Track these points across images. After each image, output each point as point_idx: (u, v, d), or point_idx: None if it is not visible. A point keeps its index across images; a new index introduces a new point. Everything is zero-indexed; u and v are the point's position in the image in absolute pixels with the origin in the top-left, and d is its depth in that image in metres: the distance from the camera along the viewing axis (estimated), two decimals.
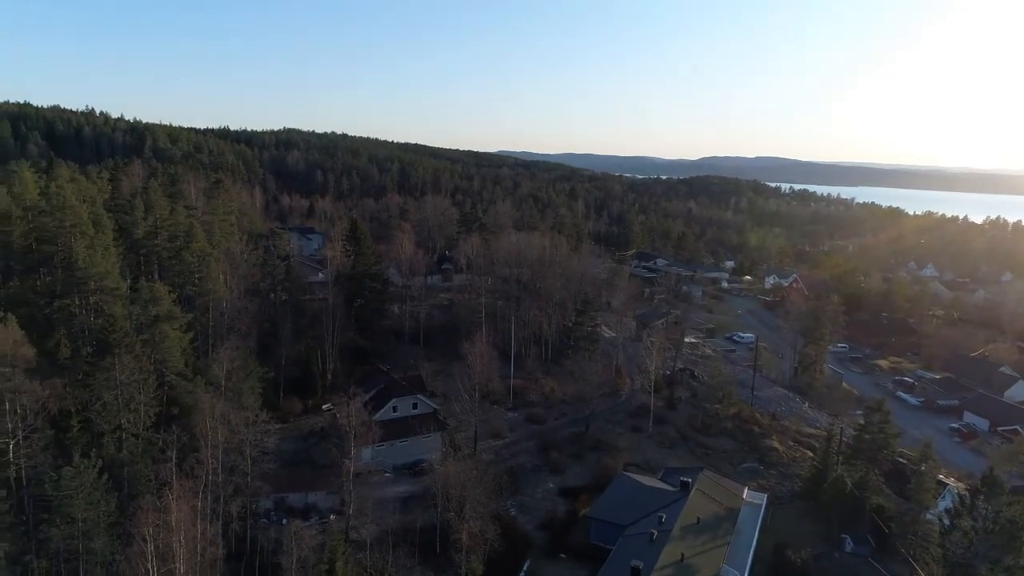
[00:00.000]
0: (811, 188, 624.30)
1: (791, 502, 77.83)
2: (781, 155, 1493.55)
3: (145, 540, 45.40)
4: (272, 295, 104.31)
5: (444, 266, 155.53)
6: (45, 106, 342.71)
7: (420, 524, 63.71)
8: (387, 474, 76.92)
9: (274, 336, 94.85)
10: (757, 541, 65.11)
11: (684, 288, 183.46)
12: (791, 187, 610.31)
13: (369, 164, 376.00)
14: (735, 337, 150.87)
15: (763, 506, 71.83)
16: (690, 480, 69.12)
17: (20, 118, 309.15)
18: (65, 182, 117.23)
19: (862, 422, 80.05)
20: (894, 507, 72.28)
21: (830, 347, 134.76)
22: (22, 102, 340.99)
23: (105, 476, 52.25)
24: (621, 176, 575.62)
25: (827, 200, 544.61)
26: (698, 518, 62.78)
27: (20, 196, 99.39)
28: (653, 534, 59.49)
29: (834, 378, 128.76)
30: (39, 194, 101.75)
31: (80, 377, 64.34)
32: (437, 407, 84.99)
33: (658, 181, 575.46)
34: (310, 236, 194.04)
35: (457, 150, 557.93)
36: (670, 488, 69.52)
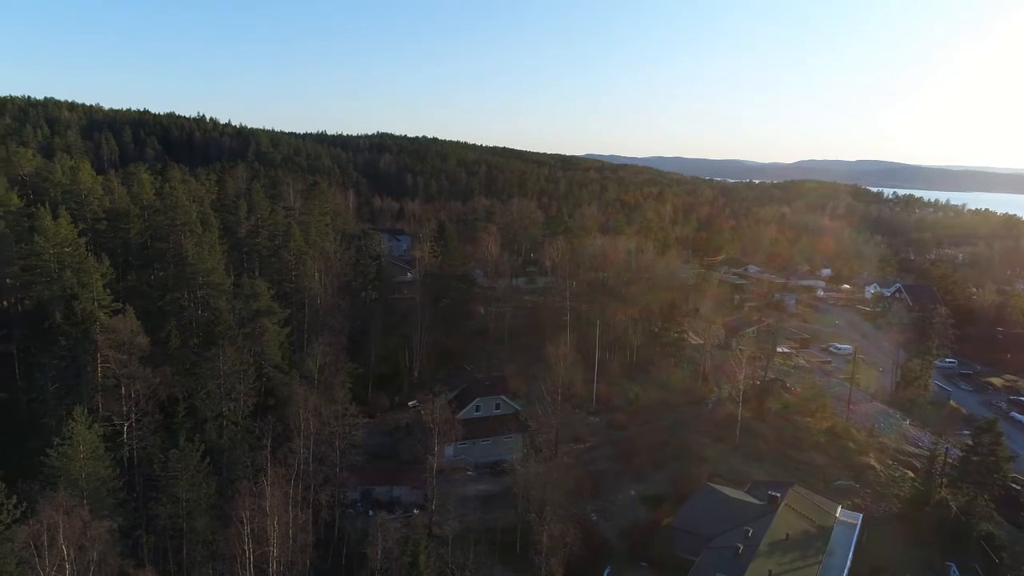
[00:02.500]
0: (917, 193, 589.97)
1: (888, 524, 73.54)
2: (884, 158, 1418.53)
3: (242, 522, 48.02)
4: (363, 293, 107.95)
5: (529, 268, 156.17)
6: (161, 113, 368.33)
7: (501, 524, 64.28)
8: (469, 472, 78.01)
9: (364, 333, 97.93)
10: (851, 563, 61.93)
11: (777, 296, 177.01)
12: (894, 192, 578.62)
13: (457, 168, 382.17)
14: (832, 348, 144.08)
15: (858, 526, 68.25)
16: (779, 495, 66.52)
17: (140, 124, 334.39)
18: (177, 183, 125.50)
19: (970, 443, 75.00)
20: (1006, 536, 67.19)
21: (936, 362, 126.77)
22: (142, 110, 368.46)
23: (207, 460, 55.58)
24: (711, 180, 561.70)
25: (934, 206, 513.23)
26: (787, 534, 60.37)
27: (138, 196, 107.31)
28: (739, 548, 57.63)
29: (940, 395, 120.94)
30: (154, 194, 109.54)
31: (187, 366, 68.64)
32: (519, 408, 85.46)
33: (750, 185, 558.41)
34: (399, 237, 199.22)
35: (544, 153, 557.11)
36: (757, 502, 67.10)
